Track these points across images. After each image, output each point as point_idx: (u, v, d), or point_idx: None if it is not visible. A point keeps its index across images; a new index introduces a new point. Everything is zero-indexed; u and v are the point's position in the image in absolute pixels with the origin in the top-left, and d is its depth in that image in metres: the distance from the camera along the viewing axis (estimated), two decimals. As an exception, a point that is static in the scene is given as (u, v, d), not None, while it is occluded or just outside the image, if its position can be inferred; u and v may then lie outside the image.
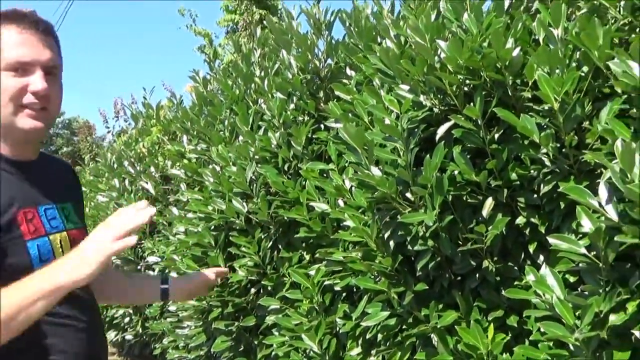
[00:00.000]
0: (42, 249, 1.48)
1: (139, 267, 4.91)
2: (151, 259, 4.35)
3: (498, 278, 1.99)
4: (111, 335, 5.82)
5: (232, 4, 7.52)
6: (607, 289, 1.55)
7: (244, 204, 2.94)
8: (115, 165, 5.43)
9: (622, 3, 1.69)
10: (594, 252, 1.57)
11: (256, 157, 2.89)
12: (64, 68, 1.62)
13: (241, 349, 3.12)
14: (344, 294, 2.54)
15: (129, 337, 5.31)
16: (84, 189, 7.21)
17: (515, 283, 1.92)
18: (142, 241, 4.77)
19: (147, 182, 4.47)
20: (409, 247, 2.01)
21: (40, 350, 1.45)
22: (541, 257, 1.90)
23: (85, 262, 1.35)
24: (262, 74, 3.15)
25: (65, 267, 1.35)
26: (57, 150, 44.95)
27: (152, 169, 4.50)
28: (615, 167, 1.42)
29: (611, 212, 1.49)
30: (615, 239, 1.43)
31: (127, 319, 5.26)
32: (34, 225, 1.48)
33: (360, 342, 2.36)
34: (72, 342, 1.54)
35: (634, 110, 1.50)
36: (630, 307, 1.49)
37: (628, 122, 1.54)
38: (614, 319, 1.51)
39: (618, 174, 1.41)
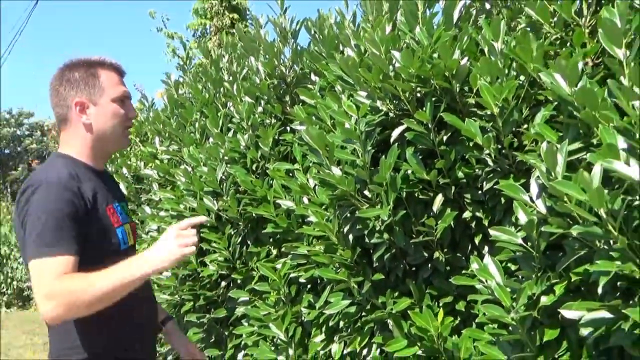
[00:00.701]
0: (123, 235, 1.89)
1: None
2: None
3: (448, 267, 2.18)
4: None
5: (202, 9, 7.58)
6: (539, 274, 1.74)
7: (215, 202, 3.10)
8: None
9: (555, 20, 1.89)
10: (530, 242, 1.76)
11: (226, 157, 3.05)
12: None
13: (212, 340, 3.27)
14: (308, 286, 2.71)
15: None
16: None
17: (463, 272, 2.10)
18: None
19: (119, 183, 4.58)
20: (367, 240, 2.19)
21: (120, 316, 1.79)
22: (486, 248, 2.09)
23: (165, 259, 1.67)
24: (231, 78, 3.30)
25: (149, 262, 1.67)
26: (25, 149, 44.16)
27: (125, 169, 4.60)
28: (542, 167, 1.62)
29: (540, 206, 1.69)
30: (542, 229, 1.63)
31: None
32: (116, 217, 1.88)
33: (323, 329, 2.53)
34: (137, 310, 1.92)
35: (562, 116, 1.69)
36: (558, 289, 1.69)
37: (557, 126, 1.74)
38: (544, 300, 1.71)
39: (544, 173, 1.61)
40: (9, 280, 10.38)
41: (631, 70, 1.46)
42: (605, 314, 1.52)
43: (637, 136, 1.39)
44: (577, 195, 1.46)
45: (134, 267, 1.65)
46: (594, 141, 1.59)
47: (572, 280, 1.64)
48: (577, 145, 1.63)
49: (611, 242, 1.46)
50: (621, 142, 1.44)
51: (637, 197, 1.48)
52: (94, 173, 1.86)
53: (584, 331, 1.60)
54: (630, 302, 1.49)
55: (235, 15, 6.91)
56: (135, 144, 4.76)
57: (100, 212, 1.80)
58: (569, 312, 1.60)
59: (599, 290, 1.54)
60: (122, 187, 4.49)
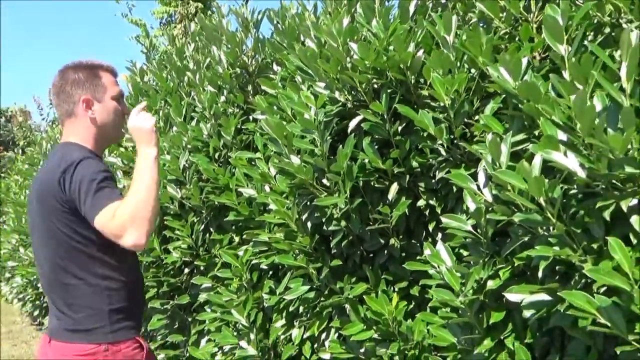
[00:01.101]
0: None
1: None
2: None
3: (403, 254, 2.26)
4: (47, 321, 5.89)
5: (167, -4, 7.63)
6: (486, 260, 1.82)
7: (178, 190, 3.13)
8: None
9: (504, 15, 1.96)
10: (480, 229, 1.84)
11: (189, 146, 3.08)
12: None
13: (176, 326, 3.32)
14: (270, 272, 2.76)
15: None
16: (17, 177, 7.19)
17: (418, 258, 2.17)
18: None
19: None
20: (325, 227, 2.25)
21: (129, 290, 2.04)
22: (440, 235, 2.16)
23: (148, 137, 2.01)
24: (195, 67, 3.32)
25: (145, 149, 1.99)
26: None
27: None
28: (487, 157, 1.69)
29: (487, 195, 1.76)
30: (487, 216, 1.71)
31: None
32: None
33: (284, 314, 2.59)
34: (139, 285, 2.19)
35: (508, 109, 1.76)
36: (503, 274, 1.77)
37: (504, 118, 1.82)
38: (491, 284, 1.79)
39: (490, 163, 1.68)
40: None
41: (571, 66, 1.54)
42: (544, 296, 1.61)
43: (576, 129, 1.46)
44: (518, 184, 1.54)
45: (143, 161, 1.96)
46: (537, 133, 1.66)
47: (516, 265, 1.73)
48: (521, 136, 1.71)
49: (550, 228, 1.53)
50: (561, 135, 1.51)
51: (575, 187, 1.56)
52: (97, 158, 2.09)
53: (527, 313, 1.69)
54: (568, 285, 1.57)
55: (200, 4, 6.86)
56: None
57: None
58: (512, 295, 1.68)
59: (540, 274, 1.62)
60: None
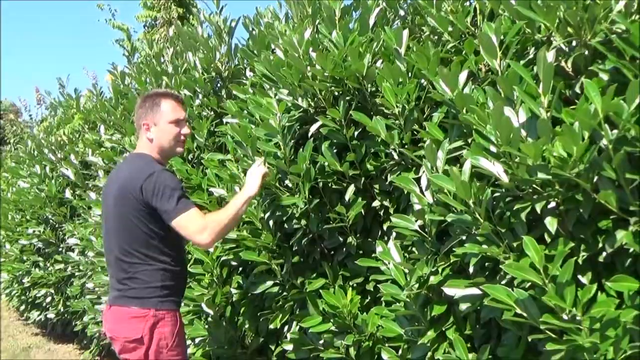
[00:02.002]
0: None
1: (59, 249, 5.10)
2: (71, 241, 4.58)
3: (360, 251, 2.39)
4: (34, 315, 5.99)
5: (150, 1, 7.66)
6: (429, 257, 1.97)
7: (154, 189, 3.25)
8: (36, 153, 5.59)
9: (451, 29, 2.10)
10: (427, 229, 1.98)
11: (165, 147, 3.20)
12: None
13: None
14: (240, 268, 2.90)
15: (50, 315, 5.50)
16: (6, 175, 7.29)
17: (373, 255, 2.31)
18: (63, 224, 4.98)
19: (67, 169, 4.69)
20: (286, 225, 2.39)
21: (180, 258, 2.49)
22: (394, 234, 2.30)
23: (254, 185, 2.29)
24: (174, 71, 3.45)
25: (246, 190, 2.31)
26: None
27: (72, 156, 4.70)
28: (427, 163, 1.84)
29: (428, 197, 1.91)
30: (426, 216, 1.85)
31: (48, 299, 5.44)
32: None
33: (250, 308, 2.73)
34: (185, 268, 2.56)
35: (448, 118, 1.91)
36: (443, 270, 1.92)
37: (446, 126, 1.96)
38: (432, 279, 1.93)
39: (429, 168, 1.83)
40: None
41: (500, 80, 1.68)
42: (475, 290, 1.76)
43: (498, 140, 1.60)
44: (450, 187, 1.69)
45: (240, 198, 2.31)
46: (471, 140, 1.81)
47: (455, 262, 1.87)
48: (459, 143, 1.85)
49: (479, 228, 1.68)
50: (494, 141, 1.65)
51: (504, 190, 1.71)
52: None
53: (463, 306, 1.84)
54: (494, 280, 1.72)
55: (181, 10, 6.99)
56: (83, 132, 4.87)
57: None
58: (449, 290, 1.84)
59: (471, 270, 1.77)
60: (70, 173, 4.61)
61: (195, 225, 2.26)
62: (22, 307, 6.42)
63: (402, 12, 2.49)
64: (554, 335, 1.50)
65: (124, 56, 4.23)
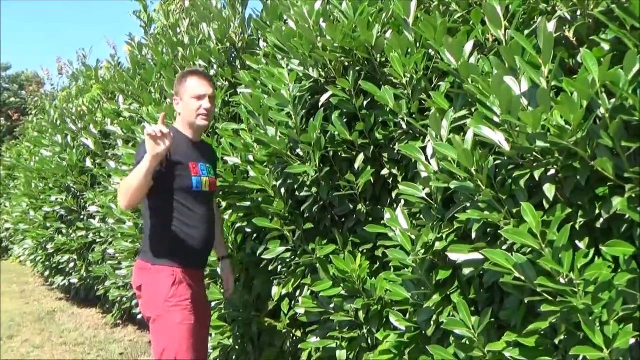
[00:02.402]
0: (196, 182, 2.64)
1: (81, 217, 5.24)
2: (92, 209, 4.71)
3: (370, 219, 2.46)
4: (58, 280, 6.18)
5: (166, -29, 7.78)
6: (434, 223, 2.03)
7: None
8: (58, 122, 5.70)
9: (459, -1, 2.12)
10: (433, 196, 2.04)
11: (181, 117, 3.28)
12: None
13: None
14: (253, 235, 2.99)
15: (74, 280, 5.68)
16: (28, 144, 7.44)
17: (382, 222, 2.38)
18: (84, 192, 5.11)
19: (87, 139, 4.79)
20: (297, 193, 2.46)
21: (183, 235, 2.63)
22: (402, 201, 2.36)
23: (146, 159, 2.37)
24: (190, 42, 3.50)
25: (142, 164, 2.39)
26: (4, 103, 43.54)
27: (92, 126, 4.81)
28: (432, 132, 1.89)
29: (434, 165, 1.96)
30: (430, 183, 1.90)
31: (71, 265, 5.61)
32: (196, 170, 2.66)
33: (264, 273, 2.82)
34: (196, 233, 2.66)
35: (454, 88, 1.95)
36: (447, 236, 1.97)
37: (453, 96, 2.00)
38: (437, 245, 1.99)
39: (434, 136, 1.88)
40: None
41: (503, 50, 1.71)
42: (478, 255, 1.81)
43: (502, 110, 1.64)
44: (454, 156, 1.74)
45: (139, 167, 2.42)
46: (474, 110, 1.85)
47: (457, 227, 1.93)
48: (464, 112, 1.90)
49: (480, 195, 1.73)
50: (497, 110, 1.69)
51: (505, 158, 1.75)
52: (189, 141, 2.72)
53: (466, 271, 1.90)
54: (495, 245, 1.78)
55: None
56: (102, 102, 4.96)
57: (183, 164, 2.63)
58: (452, 255, 1.89)
59: (473, 236, 1.83)
60: (90, 142, 4.72)
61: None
62: (47, 273, 6.62)
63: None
64: (550, 298, 1.56)
65: (140, 27, 4.29)
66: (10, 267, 9.69)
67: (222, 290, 2.97)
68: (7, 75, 49.36)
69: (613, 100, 1.43)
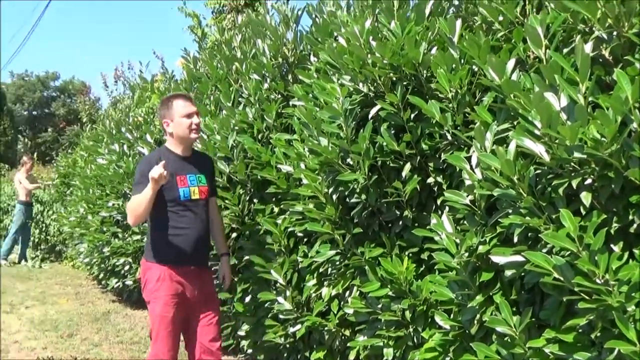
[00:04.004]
0: (183, 192, 3.07)
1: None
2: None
3: (416, 224, 2.61)
4: (112, 282, 6.47)
5: (220, -13, 8.11)
6: (478, 228, 2.17)
7: (227, 165, 3.56)
8: (114, 132, 6.01)
9: (501, 18, 2.27)
10: (477, 203, 2.18)
11: (236, 127, 3.50)
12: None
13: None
14: (305, 239, 3.17)
15: (128, 282, 5.95)
16: (83, 153, 7.79)
17: (428, 227, 2.52)
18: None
19: (143, 147, 5.06)
20: (348, 199, 2.63)
21: (178, 227, 3.07)
22: (446, 208, 2.50)
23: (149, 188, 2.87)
24: (242, 57, 3.72)
25: (146, 191, 2.89)
26: (53, 113, 45.08)
27: (148, 135, 5.07)
28: (477, 143, 2.04)
29: (478, 174, 2.10)
30: (475, 191, 2.05)
31: (127, 267, 5.88)
32: (183, 182, 3.08)
33: (315, 275, 3.00)
34: (189, 232, 3.09)
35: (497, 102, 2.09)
36: (490, 240, 2.11)
37: (495, 109, 2.14)
38: (481, 248, 2.13)
39: (478, 147, 2.03)
40: (42, 236, 11.06)
41: (543, 68, 1.85)
42: (519, 258, 1.95)
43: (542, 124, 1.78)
44: (497, 165, 1.88)
45: (145, 193, 2.89)
46: (515, 123, 1.99)
47: (499, 232, 2.07)
48: (506, 125, 2.04)
49: (522, 201, 1.87)
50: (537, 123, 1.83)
51: (545, 168, 1.89)
52: (177, 157, 3.12)
53: (508, 272, 2.03)
54: (536, 248, 1.91)
55: (249, -3, 7.37)
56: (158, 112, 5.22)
57: (171, 178, 2.98)
58: (495, 257, 2.03)
59: (515, 239, 1.97)
60: (146, 151, 4.99)
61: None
62: (101, 275, 6.91)
63: (456, 2, 2.65)
64: (587, 297, 1.69)
65: (194, 42, 4.54)
66: (64, 270, 10.10)
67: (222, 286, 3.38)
68: (55, 85, 51.03)
69: (645, 116, 1.56)
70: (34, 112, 50.14)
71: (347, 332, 2.97)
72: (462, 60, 2.30)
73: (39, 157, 19.29)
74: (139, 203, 2.92)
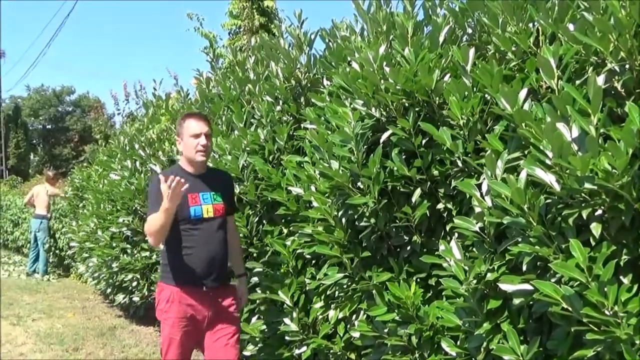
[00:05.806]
0: (194, 211, 3.09)
1: (145, 238, 5.52)
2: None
3: (424, 249, 2.61)
4: (119, 297, 6.48)
5: (235, 10, 8.14)
6: (487, 255, 2.17)
7: (237, 186, 3.59)
8: (128, 148, 6.06)
9: (514, 48, 2.29)
10: (486, 230, 2.18)
11: (247, 148, 3.53)
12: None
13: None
14: (313, 261, 3.17)
15: (135, 298, 5.95)
16: (97, 167, 7.85)
17: (436, 253, 2.53)
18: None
19: (155, 165, 5.10)
20: (357, 223, 2.64)
21: (188, 246, 3.08)
22: (456, 234, 2.51)
23: (164, 205, 2.84)
24: (255, 78, 3.77)
25: (160, 211, 2.87)
26: (68, 128, 45.53)
27: (160, 153, 5.11)
28: (487, 171, 2.05)
29: (488, 201, 2.11)
30: (485, 219, 2.06)
31: (134, 283, 5.89)
32: (195, 200, 3.10)
33: (322, 297, 3.00)
34: (203, 253, 3.09)
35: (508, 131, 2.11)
36: (499, 267, 2.11)
37: (507, 138, 2.16)
38: (489, 276, 2.13)
39: (489, 175, 2.04)
40: (52, 250, 11.09)
41: (555, 99, 1.87)
42: (527, 286, 1.95)
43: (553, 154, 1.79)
44: (507, 193, 1.89)
45: (158, 212, 2.87)
46: (526, 152, 2.00)
47: (508, 259, 2.07)
48: (517, 154, 2.05)
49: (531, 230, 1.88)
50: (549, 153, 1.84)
51: (556, 197, 1.90)
52: (189, 175, 3.11)
53: (516, 300, 2.03)
54: (545, 277, 1.91)
55: (263, 20, 7.37)
56: (170, 131, 5.28)
57: (183, 197, 2.92)
58: (503, 285, 2.03)
59: (524, 268, 1.97)
60: (158, 169, 5.03)
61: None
62: (109, 290, 6.92)
63: (469, 30, 2.68)
64: (595, 328, 1.69)
65: (207, 62, 4.60)
66: (72, 284, 10.12)
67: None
68: (71, 99, 51.62)
69: (656, 149, 1.57)
70: (48, 126, 50.69)
71: (353, 356, 2.95)
72: (475, 89, 2.32)
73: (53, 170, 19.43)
74: (153, 222, 2.92)
